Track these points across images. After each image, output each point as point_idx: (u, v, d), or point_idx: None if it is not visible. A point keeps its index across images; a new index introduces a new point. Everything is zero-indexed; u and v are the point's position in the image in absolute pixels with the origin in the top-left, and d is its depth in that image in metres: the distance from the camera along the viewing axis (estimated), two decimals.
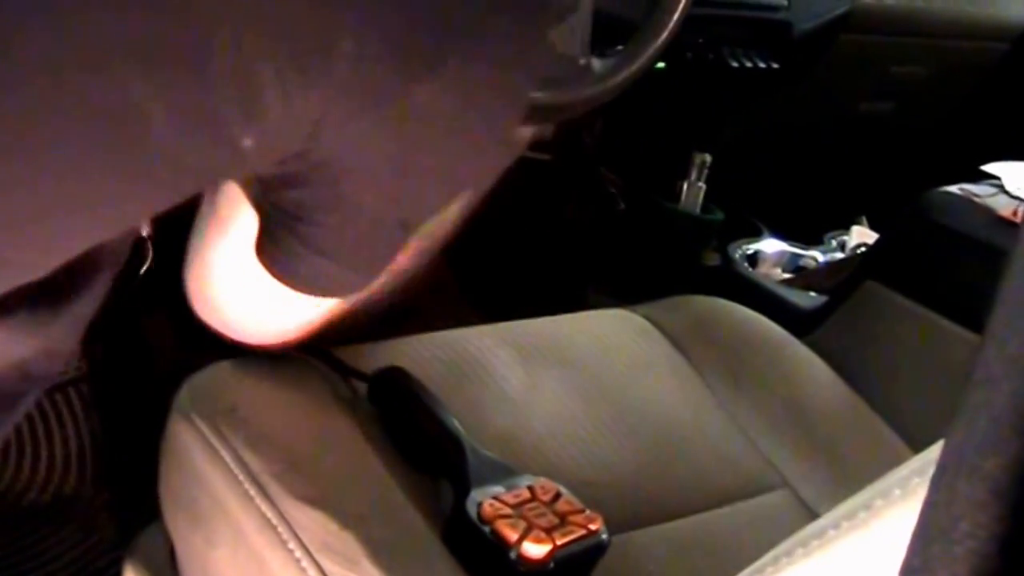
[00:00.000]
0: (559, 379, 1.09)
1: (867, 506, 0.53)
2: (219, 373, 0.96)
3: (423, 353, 1.04)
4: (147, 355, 1.40)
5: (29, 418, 1.28)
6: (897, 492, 0.51)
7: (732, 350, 1.21)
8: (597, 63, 0.96)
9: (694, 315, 1.24)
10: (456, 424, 0.95)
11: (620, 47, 0.98)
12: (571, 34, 0.93)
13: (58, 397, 1.30)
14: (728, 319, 1.26)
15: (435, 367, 1.03)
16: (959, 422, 0.39)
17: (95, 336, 1.28)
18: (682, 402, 1.13)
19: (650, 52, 0.98)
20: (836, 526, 0.54)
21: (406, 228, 0.66)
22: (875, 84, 1.79)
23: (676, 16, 0.98)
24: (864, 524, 0.52)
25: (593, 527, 0.88)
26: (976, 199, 1.36)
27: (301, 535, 0.84)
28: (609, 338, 1.17)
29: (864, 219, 1.86)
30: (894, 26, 1.69)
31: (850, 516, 0.53)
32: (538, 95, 0.91)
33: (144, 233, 1.12)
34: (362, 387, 0.98)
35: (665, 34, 0.98)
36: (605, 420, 1.06)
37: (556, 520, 0.87)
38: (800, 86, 1.65)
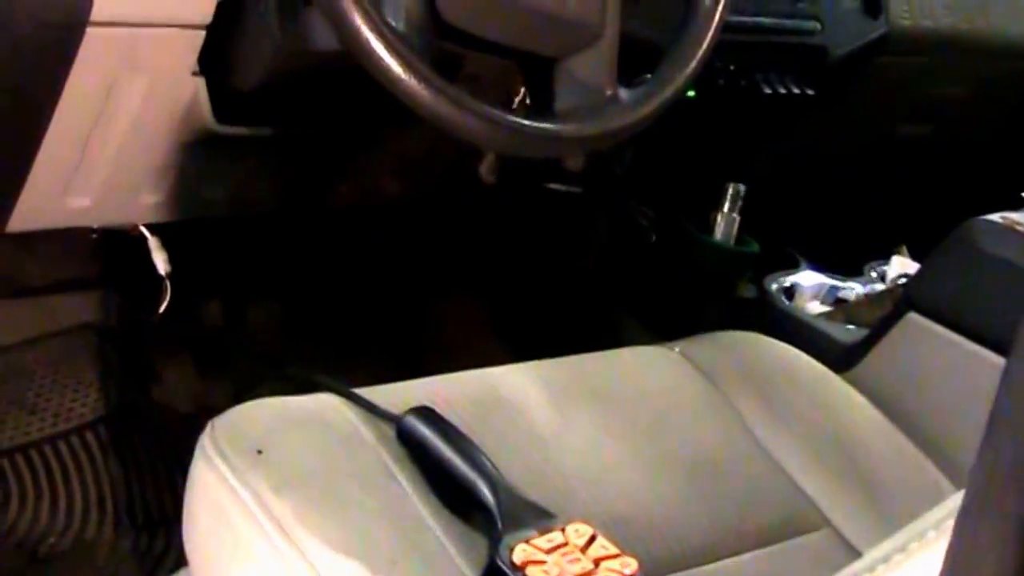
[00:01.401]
0: (592, 417, 1.07)
1: (903, 548, 0.53)
2: (244, 414, 0.95)
3: (452, 392, 1.03)
4: (167, 395, 1.39)
5: (46, 463, 1.27)
6: (932, 534, 0.52)
7: (770, 386, 1.19)
8: (625, 93, 0.94)
9: (730, 350, 1.23)
10: (488, 464, 0.93)
11: (648, 75, 0.96)
12: (596, 62, 0.91)
13: (75, 440, 1.29)
14: (765, 354, 1.25)
15: (464, 406, 1.02)
16: (982, 459, 0.38)
17: (113, 376, 1.29)
18: (719, 440, 1.12)
19: (680, 80, 0.96)
20: (871, 569, 0.54)
21: None
22: (913, 107, 1.77)
23: (707, 42, 0.96)
24: (899, 567, 0.53)
25: (628, 572, 0.86)
26: (1019, 227, 1.33)
27: None
28: (643, 375, 1.16)
29: (905, 248, 1.84)
30: (932, 47, 1.67)
31: (886, 559, 0.54)
32: (566, 127, 0.90)
33: (162, 271, 1.12)
34: (390, 428, 0.97)
35: (695, 62, 0.96)
36: (640, 459, 1.05)
37: (590, 566, 0.86)
38: (836, 111, 1.63)
